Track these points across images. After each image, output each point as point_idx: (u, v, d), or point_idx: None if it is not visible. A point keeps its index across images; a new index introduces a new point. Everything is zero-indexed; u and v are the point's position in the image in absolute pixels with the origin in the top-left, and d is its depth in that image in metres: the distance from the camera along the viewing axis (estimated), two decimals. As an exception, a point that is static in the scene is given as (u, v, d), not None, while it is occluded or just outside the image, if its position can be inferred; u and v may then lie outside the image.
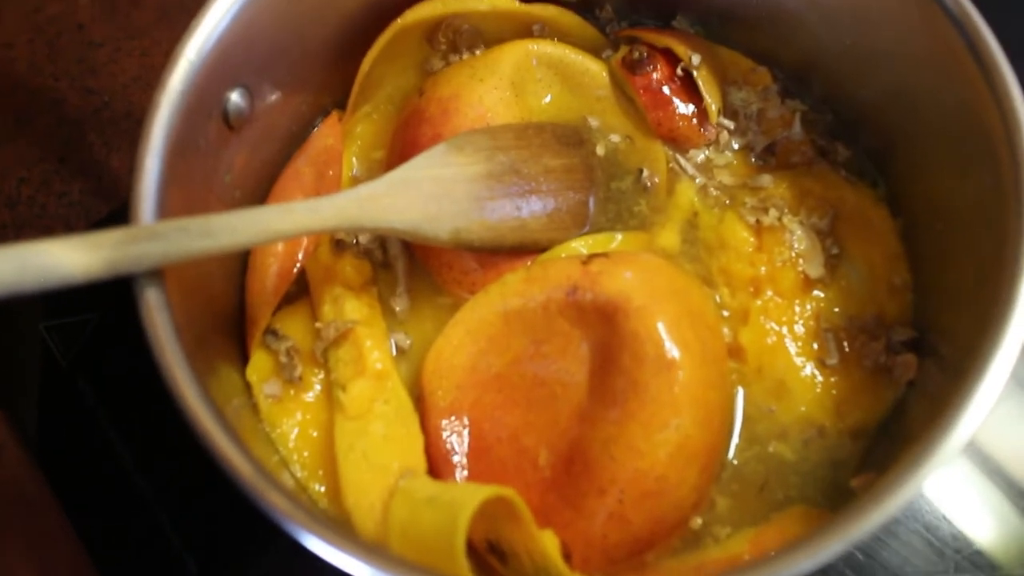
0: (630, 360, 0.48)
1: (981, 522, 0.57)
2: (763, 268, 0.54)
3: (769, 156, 0.59)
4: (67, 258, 0.38)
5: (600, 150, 0.59)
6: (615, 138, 0.59)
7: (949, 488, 0.57)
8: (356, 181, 0.59)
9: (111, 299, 0.61)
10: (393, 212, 0.50)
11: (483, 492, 0.44)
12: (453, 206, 0.52)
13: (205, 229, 0.42)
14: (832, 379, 0.52)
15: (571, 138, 0.58)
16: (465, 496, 0.44)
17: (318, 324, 0.53)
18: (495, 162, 0.54)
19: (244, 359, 0.53)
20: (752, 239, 0.56)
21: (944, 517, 0.57)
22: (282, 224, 0.45)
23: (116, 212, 0.67)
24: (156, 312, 0.42)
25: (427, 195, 0.51)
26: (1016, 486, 0.58)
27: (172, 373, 0.41)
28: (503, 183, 0.54)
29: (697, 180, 0.58)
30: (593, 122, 0.60)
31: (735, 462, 0.51)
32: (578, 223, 0.57)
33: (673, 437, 0.47)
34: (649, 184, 0.58)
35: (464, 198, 0.52)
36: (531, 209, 0.55)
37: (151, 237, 0.41)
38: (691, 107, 0.59)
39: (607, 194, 0.58)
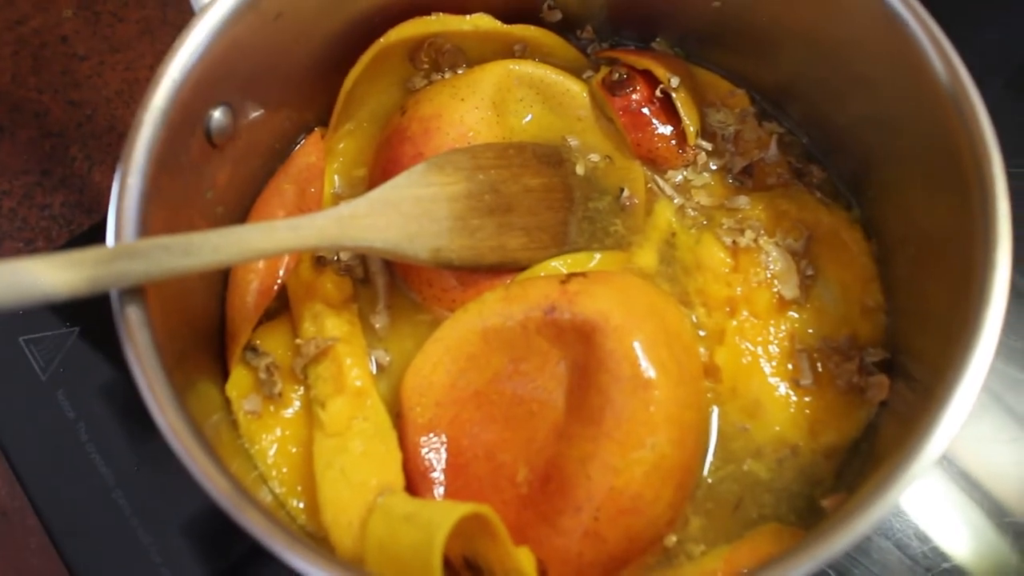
0: (607, 379, 0.49)
1: (956, 538, 0.57)
2: (739, 289, 0.55)
3: (746, 177, 0.59)
4: (48, 276, 0.39)
5: (580, 169, 0.60)
6: (594, 158, 0.60)
7: (924, 504, 0.58)
8: (338, 198, 0.59)
9: (92, 312, 0.61)
10: (373, 231, 0.50)
11: (460, 509, 0.45)
12: (433, 225, 0.52)
13: (186, 247, 0.43)
14: (806, 399, 0.53)
15: (551, 157, 0.58)
16: (442, 513, 0.44)
17: (298, 340, 0.53)
18: (475, 181, 0.54)
19: (224, 375, 0.53)
20: (728, 260, 0.57)
21: (917, 534, 0.57)
22: (263, 243, 0.46)
23: (98, 225, 0.67)
24: (135, 328, 0.42)
25: (407, 214, 0.51)
26: (992, 501, 0.59)
27: (150, 389, 0.41)
28: (483, 202, 0.54)
29: (675, 200, 0.59)
30: (573, 142, 0.60)
31: (710, 480, 0.52)
32: (557, 242, 0.57)
33: (649, 456, 0.47)
34: (628, 204, 0.59)
35: (444, 217, 0.53)
36: (510, 228, 0.55)
37: (132, 255, 0.41)
38: (670, 128, 0.59)
39: (585, 213, 0.59)
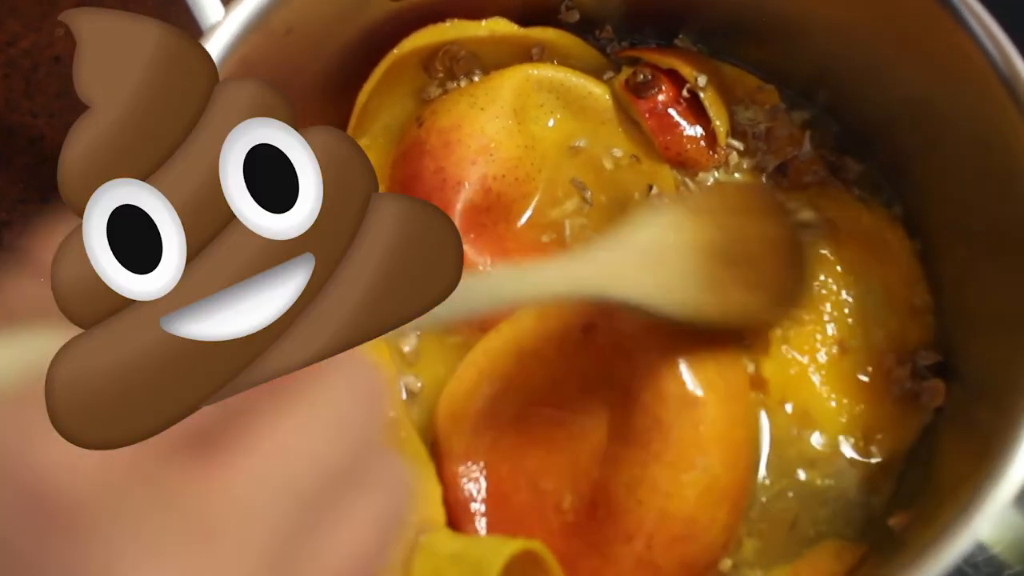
0: (652, 399, 0.47)
1: (1017, 545, 0.56)
2: (781, 296, 0.53)
3: (780, 177, 0.57)
4: None
5: (608, 164, 0.57)
6: (618, 152, 0.57)
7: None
8: (355, 216, 0.57)
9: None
10: (630, 282, 0.44)
11: (510, 547, 0.43)
12: (685, 278, 0.46)
13: None
14: (858, 408, 0.51)
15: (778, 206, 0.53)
16: (491, 552, 0.43)
17: (324, 371, 0.51)
18: (725, 228, 0.48)
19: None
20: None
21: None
22: (510, 290, 0.40)
23: (104, 254, 0.64)
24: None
25: (661, 264, 0.45)
26: None
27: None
28: (731, 253, 0.48)
29: (707, 203, 0.57)
30: (580, 143, 0.58)
31: (762, 499, 0.50)
32: (793, 302, 0.51)
33: (701, 478, 0.45)
34: (657, 202, 0.56)
35: (695, 269, 0.46)
36: (749, 284, 0.48)
37: None
38: (699, 129, 0.57)
39: (613, 219, 0.57)
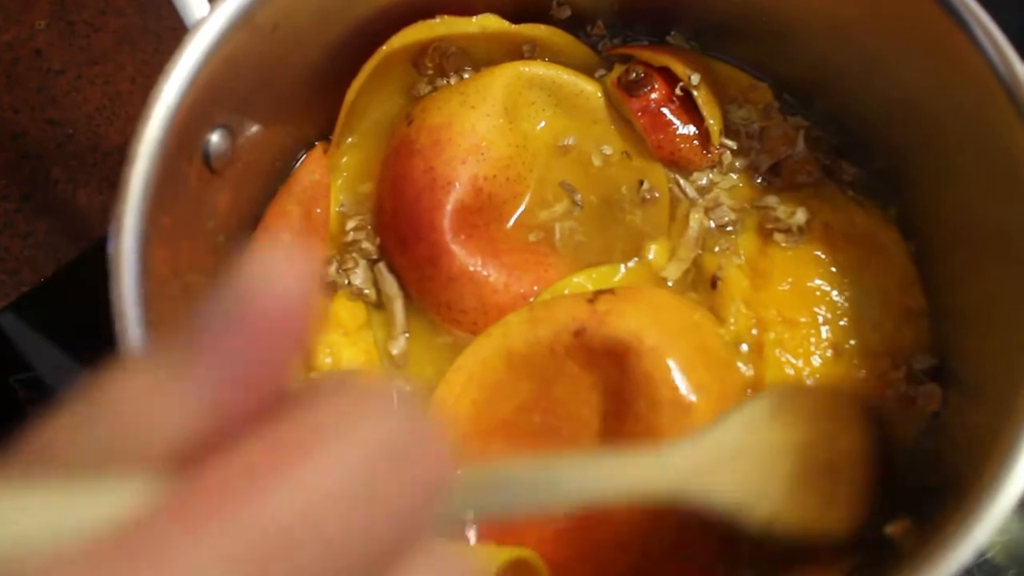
0: (644, 405, 0.46)
1: (1016, 549, 0.55)
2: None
3: (774, 177, 0.56)
4: None
5: (596, 161, 0.56)
6: (607, 150, 0.57)
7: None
8: (343, 216, 0.56)
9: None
10: (719, 485, 0.40)
11: (501, 556, 0.42)
12: (773, 484, 0.42)
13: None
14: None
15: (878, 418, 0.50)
16: (482, 561, 0.42)
17: (313, 374, 0.50)
18: (815, 431, 0.45)
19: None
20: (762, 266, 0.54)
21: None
22: (610, 482, 0.35)
23: (87, 253, 0.63)
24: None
25: (754, 467, 0.42)
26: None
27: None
28: (817, 461, 0.45)
29: (699, 203, 0.56)
30: (569, 140, 0.57)
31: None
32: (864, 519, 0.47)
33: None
34: (648, 197, 0.55)
35: (784, 475, 0.43)
36: (834, 499, 0.45)
37: None
38: (692, 128, 0.56)
39: (603, 220, 0.56)
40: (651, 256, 0.54)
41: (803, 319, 0.52)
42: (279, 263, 0.19)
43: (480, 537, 0.47)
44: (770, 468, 0.42)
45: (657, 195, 0.56)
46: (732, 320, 0.52)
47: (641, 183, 0.56)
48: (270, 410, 0.19)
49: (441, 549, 0.20)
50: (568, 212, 0.55)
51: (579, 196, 0.55)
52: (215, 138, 0.48)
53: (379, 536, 0.18)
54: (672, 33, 0.60)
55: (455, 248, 0.51)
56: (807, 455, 0.44)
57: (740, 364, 0.51)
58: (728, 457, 0.41)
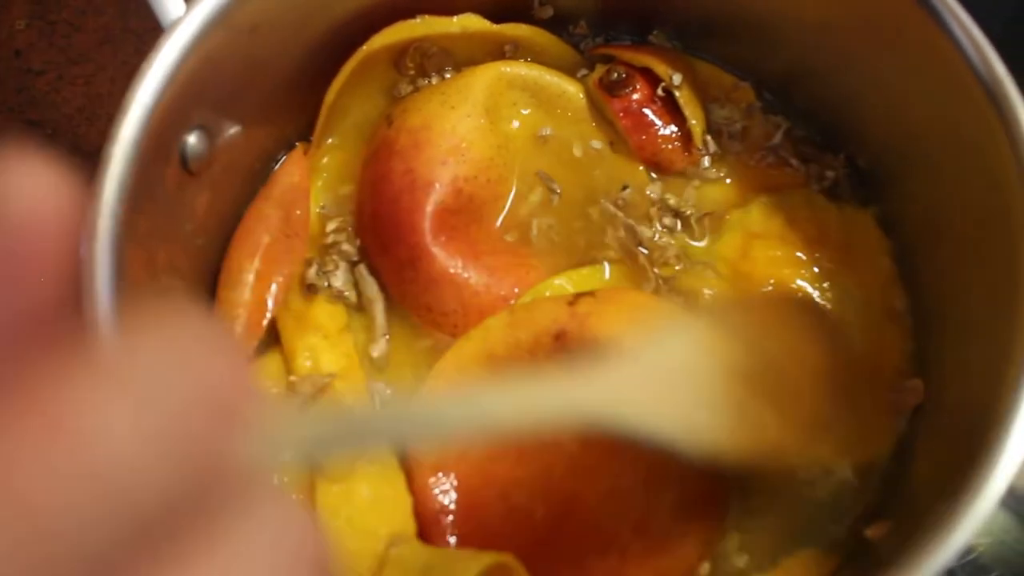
0: (625, 408, 0.45)
1: (1000, 551, 0.55)
2: (757, 300, 0.52)
3: (755, 177, 0.56)
4: None
5: (577, 152, 0.56)
6: (597, 144, 0.56)
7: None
8: (324, 218, 0.55)
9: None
10: (643, 406, 0.38)
11: (481, 560, 0.42)
12: (709, 407, 0.40)
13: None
14: (835, 416, 0.50)
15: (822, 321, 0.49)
16: (462, 565, 0.42)
17: (293, 378, 0.50)
18: (756, 350, 0.44)
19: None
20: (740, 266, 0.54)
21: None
22: (499, 411, 0.33)
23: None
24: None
25: (682, 389, 0.40)
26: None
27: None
28: (762, 380, 0.43)
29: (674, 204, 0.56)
30: (546, 131, 0.57)
31: (741, 507, 0.49)
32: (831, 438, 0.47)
33: (675, 488, 0.45)
34: (622, 203, 0.55)
35: (721, 396, 0.41)
36: (783, 417, 0.44)
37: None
38: (673, 128, 0.56)
39: (585, 217, 0.55)
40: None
41: (785, 321, 0.52)
42: (21, 180, 0.18)
43: (460, 542, 0.47)
44: (710, 386, 0.40)
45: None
46: (714, 321, 0.52)
47: (624, 188, 0.55)
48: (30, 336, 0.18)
49: (280, 508, 0.19)
50: (547, 205, 0.55)
51: (557, 186, 0.55)
52: (192, 139, 0.47)
53: (176, 477, 0.17)
54: (655, 32, 0.59)
55: (435, 250, 0.51)
56: (751, 372, 0.42)
57: (721, 367, 0.51)
58: (651, 378, 0.39)
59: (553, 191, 0.55)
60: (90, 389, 0.16)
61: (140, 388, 0.17)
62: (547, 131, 0.56)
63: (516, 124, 0.56)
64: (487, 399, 0.33)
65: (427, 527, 0.47)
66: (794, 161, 0.56)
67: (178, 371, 0.17)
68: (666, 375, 0.39)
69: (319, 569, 0.20)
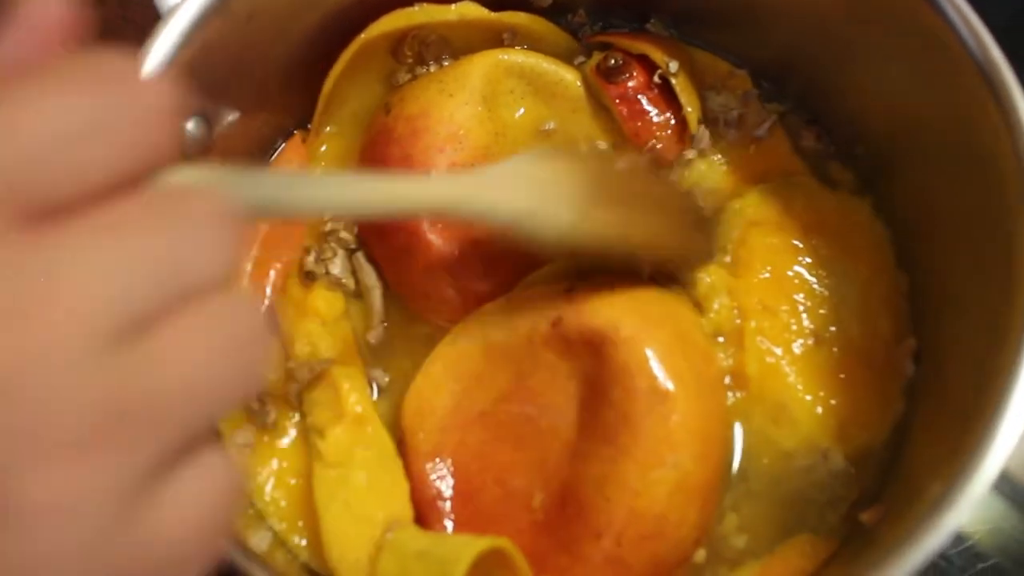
0: (621, 394, 0.46)
1: (993, 537, 0.55)
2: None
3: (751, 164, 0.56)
4: None
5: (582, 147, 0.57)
6: (602, 144, 0.57)
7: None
8: (322, 206, 0.56)
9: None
10: (498, 200, 0.42)
11: (477, 545, 0.42)
12: (561, 200, 0.44)
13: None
14: (832, 400, 0.50)
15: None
16: (458, 550, 0.42)
17: (290, 364, 0.50)
18: (599, 172, 0.48)
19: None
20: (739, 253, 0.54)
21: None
22: (381, 196, 0.36)
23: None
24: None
25: (533, 188, 0.43)
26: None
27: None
28: (609, 191, 0.47)
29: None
30: (549, 126, 0.57)
31: (737, 493, 0.49)
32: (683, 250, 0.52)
33: (671, 475, 0.45)
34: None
35: (571, 194, 0.44)
36: (635, 225, 0.48)
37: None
38: (669, 116, 0.56)
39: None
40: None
41: (784, 307, 0.52)
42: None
43: (457, 527, 0.47)
44: (551, 188, 0.44)
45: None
46: (713, 309, 0.52)
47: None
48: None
49: (215, 458, 0.23)
50: None
51: None
52: (191, 126, 0.47)
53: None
54: (652, 20, 0.59)
55: (432, 238, 0.51)
56: (597, 184, 0.46)
57: (720, 353, 0.51)
58: (503, 179, 0.43)
59: None
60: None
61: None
62: (550, 125, 0.56)
63: (520, 112, 0.56)
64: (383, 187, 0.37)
65: (424, 512, 0.47)
66: (791, 149, 0.56)
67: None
68: (532, 178, 0.43)
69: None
